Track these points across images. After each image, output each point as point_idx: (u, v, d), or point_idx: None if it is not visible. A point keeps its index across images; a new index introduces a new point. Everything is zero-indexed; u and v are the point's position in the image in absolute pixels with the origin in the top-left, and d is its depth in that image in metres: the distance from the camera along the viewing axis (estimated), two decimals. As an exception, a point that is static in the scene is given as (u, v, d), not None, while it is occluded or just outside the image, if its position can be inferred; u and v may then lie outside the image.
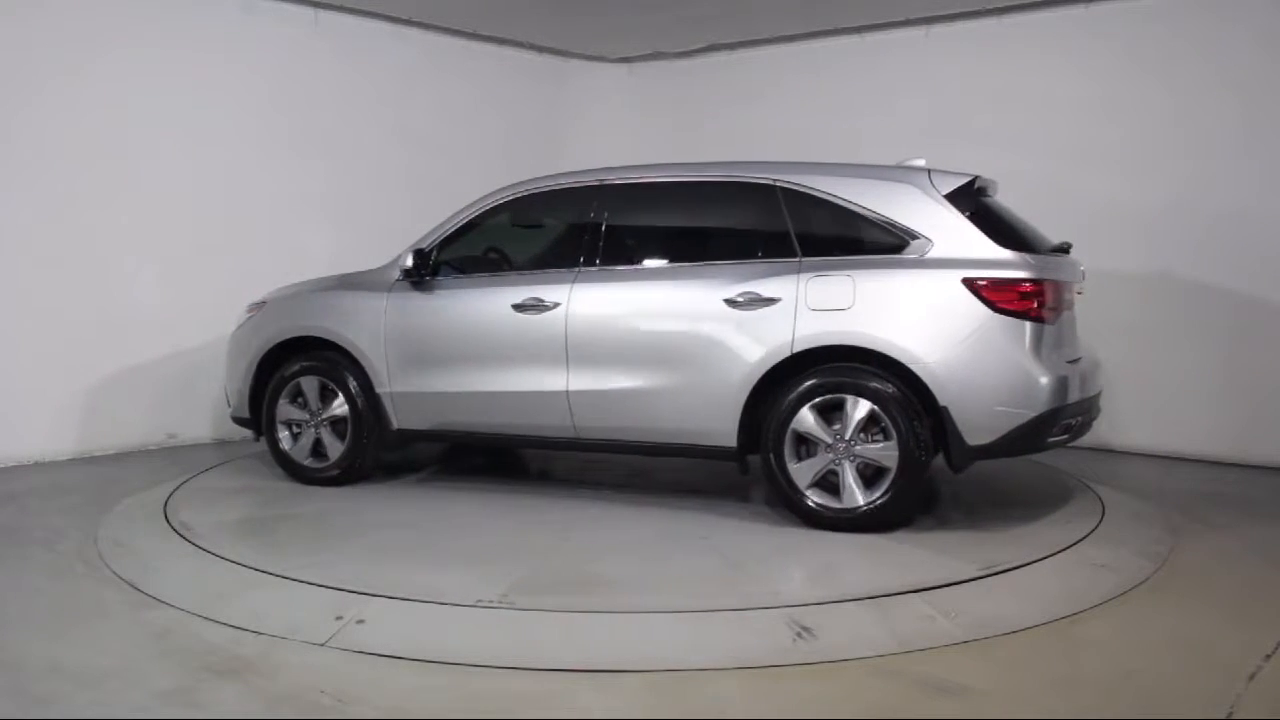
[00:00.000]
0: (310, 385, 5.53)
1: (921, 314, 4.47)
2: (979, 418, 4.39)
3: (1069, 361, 4.62)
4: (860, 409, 4.47)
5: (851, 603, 3.63)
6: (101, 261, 6.39)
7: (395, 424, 5.45)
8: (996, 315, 4.36)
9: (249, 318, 5.84)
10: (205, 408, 6.91)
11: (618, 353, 4.93)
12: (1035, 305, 4.39)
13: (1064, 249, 4.99)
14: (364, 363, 5.43)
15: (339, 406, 5.46)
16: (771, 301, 4.63)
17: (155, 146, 6.57)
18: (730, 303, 4.69)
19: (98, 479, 5.73)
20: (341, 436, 5.49)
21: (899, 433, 4.41)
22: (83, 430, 6.37)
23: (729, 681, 3.09)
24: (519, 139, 8.39)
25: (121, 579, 3.97)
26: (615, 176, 5.24)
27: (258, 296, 5.90)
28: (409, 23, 7.73)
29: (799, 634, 3.37)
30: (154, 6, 6.57)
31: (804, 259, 4.69)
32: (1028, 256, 4.51)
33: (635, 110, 8.87)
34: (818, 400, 4.55)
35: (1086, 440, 6.69)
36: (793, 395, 4.57)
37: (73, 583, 3.97)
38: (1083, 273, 5.01)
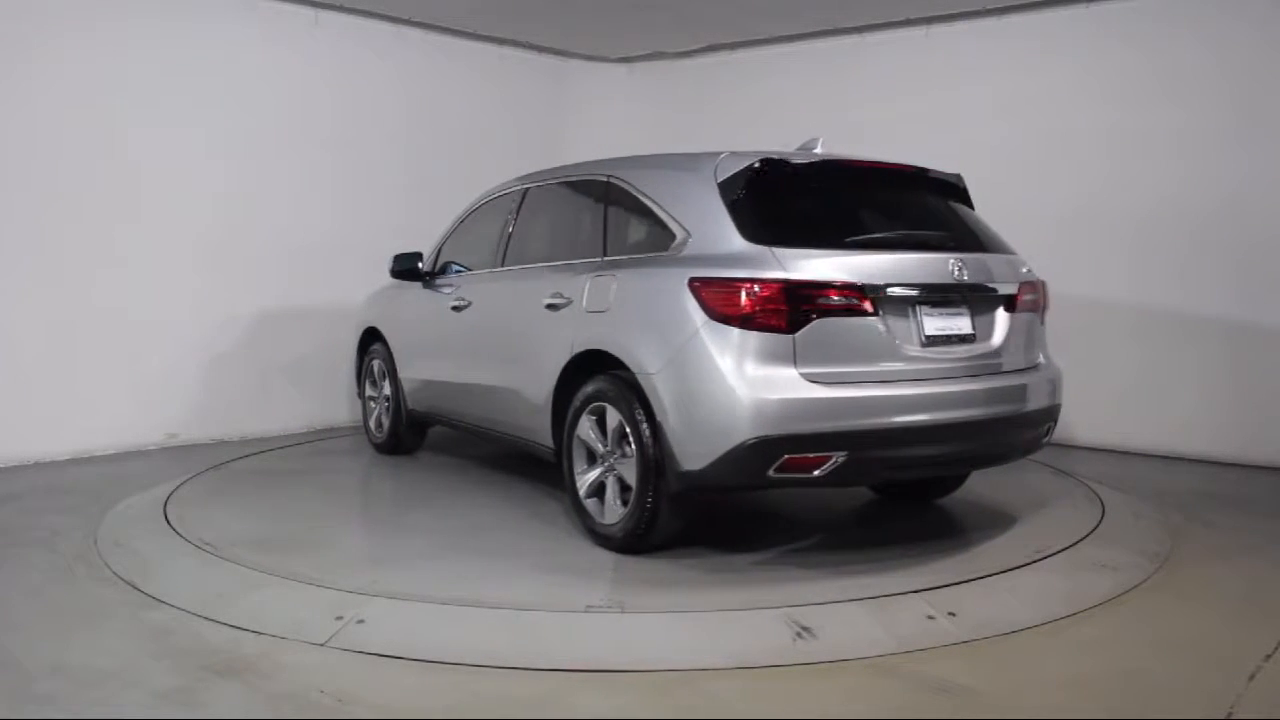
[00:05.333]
0: (375, 369, 6.51)
1: (653, 318, 4.05)
2: (690, 440, 3.86)
3: (856, 381, 3.81)
4: (614, 420, 4.19)
5: (851, 603, 3.63)
6: (101, 261, 6.39)
7: (409, 405, 6.19)
8: (711, 321, 3.79)
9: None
10: (205, 408, 6.91)
11: (492, 350, 5.22)
12: (753, 310, 3.72)
13: (920, 243, 4.21)
14: (393, 351, 6.27)
15: (388, 389, 6.38)
16: (567, 303, 4.53)
17: (155, 146, 6.57)
18: (546, 305, 4.66)
19: (98, 479, 5.73)
20: (389, 413, 6.40)
21: (638, 448, 4.04)
22: (83, 430, 6.38)
23: (729, 681, 3.09)
24: (519, 139, 8.40)
25: (121, 579, 3.97)
26: (527, 182, 5.44)
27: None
28: (409, 23, 7.73)
29: (799, 634, 3.37)
30: (154, 5, 6.57)
31: (604, 258, 4.50)
32: (779, 251, 3.81)
33: (635, 110, 8.88)
34: (592, 408, 4.32)
35: (1089, 440, 6.78)
36: (575, 402, 4.40)
37: (73, 583, 3.97)
38: (955, 269, 4.08)
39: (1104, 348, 6.80)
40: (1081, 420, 6.83)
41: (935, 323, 4.05)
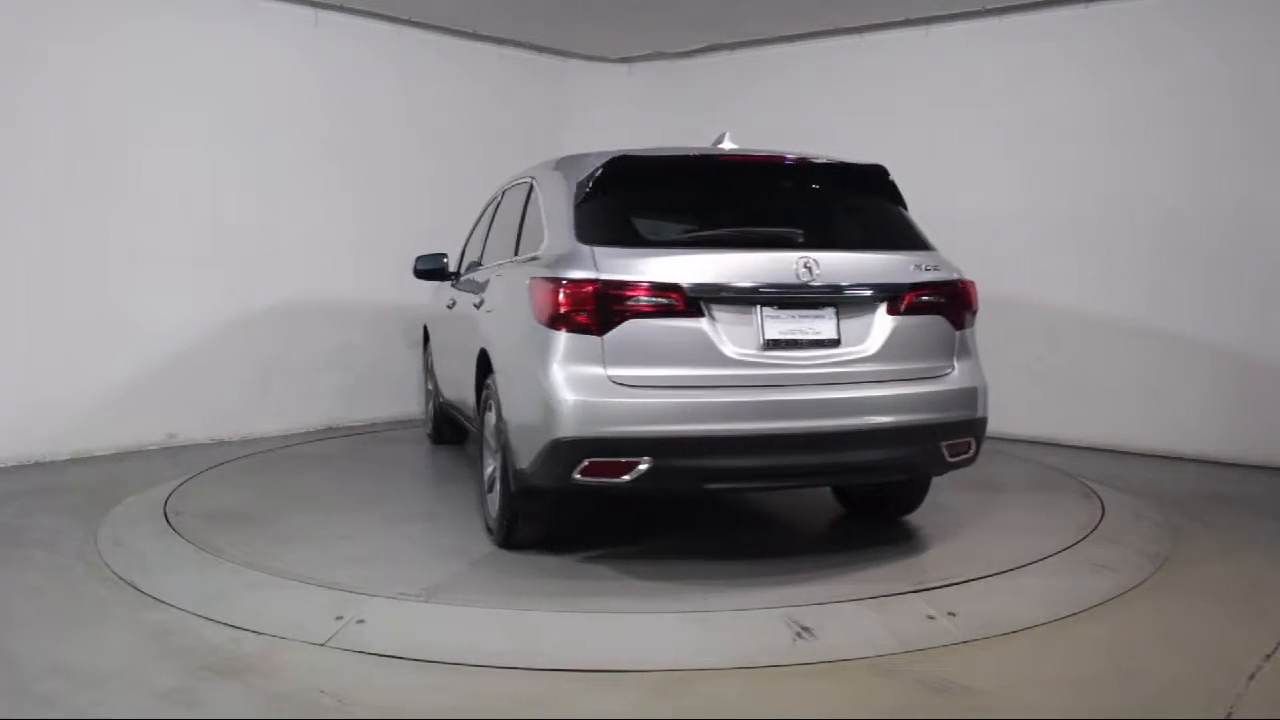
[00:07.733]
0: (429, 364, 6.84)
1: (506, 318, 4.22)
2: (517, 439, 3.89)
3: (669, 385, 3.65)
4: (494, 417, 4.25)
5: (851, 603, 3.63)
6: (101, 261, 6.39)
7: (440, 398, 6.39)
8: (536, 322, 3.77)
9: None
10: (205, 408, 6.91)
11: (455, 348, 5.47)
12: (567, 311, 3.66)
13: (768, 239, 3.95)
14: (432, 347, 6.61)
15: (433, 382, 6.73)
16: (482, 303, 4.72)
17: (155, 146, 6.57)
18: (474, 304, 4.86)
19: (98, 479, 5.73)
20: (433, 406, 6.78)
21: (499, 445, 4.08)
22: (83, 430, 6.37)
23: (729, 681, 3.09)
24: (519, 139, 8.38)
25: (121, 579, 3.97)
26: (507, 184, 5.51)
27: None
28: (409, 23, 7.73)
29: (799, 634, 3.37)
30: (154, 6, 6.57)
31: (511, 260, 4.59)
32: (599, 251, 3.74)
33: (635, 110, 8.88)
34: (488, 404, 4.39)
35: (1089, 440, 6.77)
36: (481, 398, 4.54)
37: (73, 583, 3.97)
38: (803, 268, 3.78)
39: (1103, 348, 6.79)
40: (1082, 420, 6.83)
41: (781, 325, 3.80)
